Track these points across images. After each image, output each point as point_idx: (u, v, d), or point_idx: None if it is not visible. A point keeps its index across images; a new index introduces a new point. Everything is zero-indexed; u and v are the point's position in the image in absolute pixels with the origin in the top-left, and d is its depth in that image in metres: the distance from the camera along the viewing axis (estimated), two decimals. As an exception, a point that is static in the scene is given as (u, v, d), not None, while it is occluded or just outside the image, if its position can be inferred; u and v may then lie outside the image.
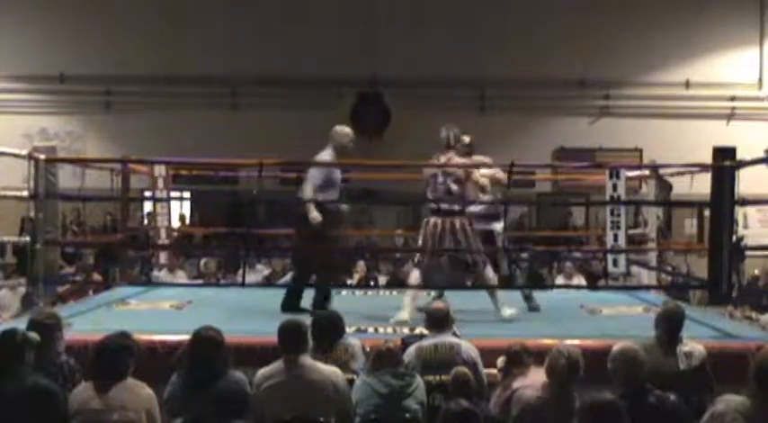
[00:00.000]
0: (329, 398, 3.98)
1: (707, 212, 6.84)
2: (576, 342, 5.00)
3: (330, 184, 6.24)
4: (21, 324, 4.43)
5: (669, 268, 9.02)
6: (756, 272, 10.31)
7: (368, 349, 4.68)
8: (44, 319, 4.29)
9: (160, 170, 8.76)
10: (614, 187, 7.84)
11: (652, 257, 8.43)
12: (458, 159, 6.15)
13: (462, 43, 13.13)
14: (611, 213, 7.80)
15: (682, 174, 8.04)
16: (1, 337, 3.92)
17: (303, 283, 6.46)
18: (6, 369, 3.77)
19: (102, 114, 13.56)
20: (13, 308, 7.58)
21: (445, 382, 4.23)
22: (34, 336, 4.03)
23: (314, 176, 6.24)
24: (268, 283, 9.06)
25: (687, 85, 13.55)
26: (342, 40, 13.03)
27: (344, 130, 6.51)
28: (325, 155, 6.38)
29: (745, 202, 6.75)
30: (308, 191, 6.19)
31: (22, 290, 7.15)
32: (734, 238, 6.83)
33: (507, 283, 6.34)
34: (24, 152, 6.76)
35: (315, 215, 6.06)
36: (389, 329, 5.61)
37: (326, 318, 4.58)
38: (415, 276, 6.06)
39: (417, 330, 5.33)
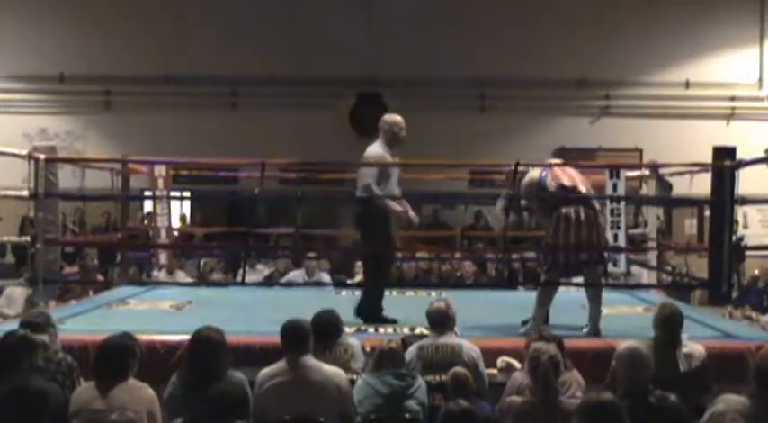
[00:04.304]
0: (332, 398, 3.98)
1: (707, 212, 6.84)
2: (579, 342, 5.04)
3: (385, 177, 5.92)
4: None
5: (669, 268, 9.02)
6: (756, 272, 10.31)
7: (368, 349, 4.68)
8: (33, 319, 4.34)
9: (160, 170, 8.76)
10: (614, 187, 7.84)
11: (652, 257, 8.43)
12: None
13: (462, 43, 13.13)
14: (611, 213, 7.79)
15: (682, 174, 8.04)
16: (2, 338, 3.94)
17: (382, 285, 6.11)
18: (4, 370, 3.79)
19: (102, 114, 13.55)
20: (20, 304, 7.61)
21: (446, 382, 4.22)
22: (42, 338, 4.06)
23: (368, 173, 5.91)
24: (268, 282, 9.06)
25: (687, 85, 13.55)
26: (342, 40, 13.03)
27: (392, 118, 6.09)
28: (375, 147, 6.02)
29: (745, 202, 6.75)
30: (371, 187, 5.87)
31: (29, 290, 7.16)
32: (734, 238, 6.83)
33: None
34: (24, 152, 6.76)
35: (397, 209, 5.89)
36: (389, 329, 5.61)
37: (324, 318, 4.57)
38: None
39: (418, 330, 5.34)
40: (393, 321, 5.83)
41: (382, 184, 5.88)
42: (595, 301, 5.65)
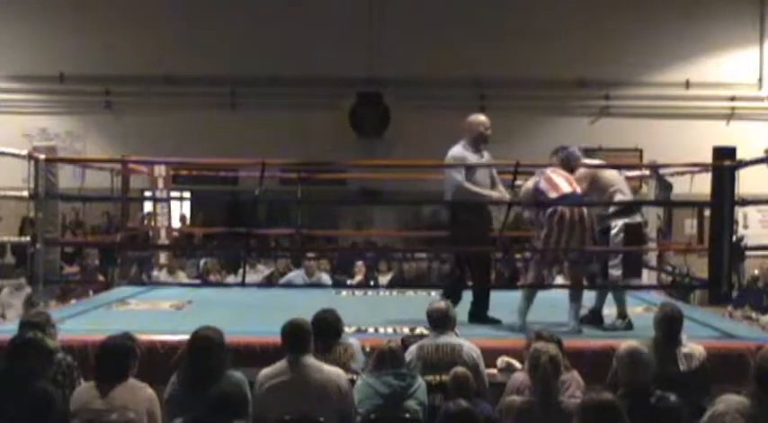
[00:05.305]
0: (332, 399, 3.97)
1: (707, 212, 6.83)
2: (578, 342, 5.03)
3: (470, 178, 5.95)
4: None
5: (669, 268, 9.02)
6: (756, 272, 10.32)
7: (367, 349, 4.67)
8: (32, 318, 4.36)
9: (160, 170, 8.77)
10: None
11: (652, 257, 8.42)
12: None
13: (462, 43, 13.14)
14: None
15: (682, 174, 8.03)
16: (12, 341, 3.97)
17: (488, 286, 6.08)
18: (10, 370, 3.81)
19: (102, 114, 13.56)
20: (17, 307, 7.61)
21: (446, 382, 4.22)
22: (54, 343, 4.07)
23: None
24: (268, 283, 9.06)
25: (687, 85, 13.56)
26: (341, 40, 13.03)
27: (477, 118, 6.08)
28: (457, 148, 6.05)
29: (745, 202, 6.74)
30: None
31: (28, 290, 7.16)
32: (734, 238, 6.83)
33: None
34: (24, 152, 6.76)
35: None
36: (389, 329, 5.61)
37: (324, 318, 4.57)
38: None
39: (418, 330, 5.33)
40: (497, 322, 5.86)
41: (470, 180, 5.92)
42: (575, 299, 5.71)
